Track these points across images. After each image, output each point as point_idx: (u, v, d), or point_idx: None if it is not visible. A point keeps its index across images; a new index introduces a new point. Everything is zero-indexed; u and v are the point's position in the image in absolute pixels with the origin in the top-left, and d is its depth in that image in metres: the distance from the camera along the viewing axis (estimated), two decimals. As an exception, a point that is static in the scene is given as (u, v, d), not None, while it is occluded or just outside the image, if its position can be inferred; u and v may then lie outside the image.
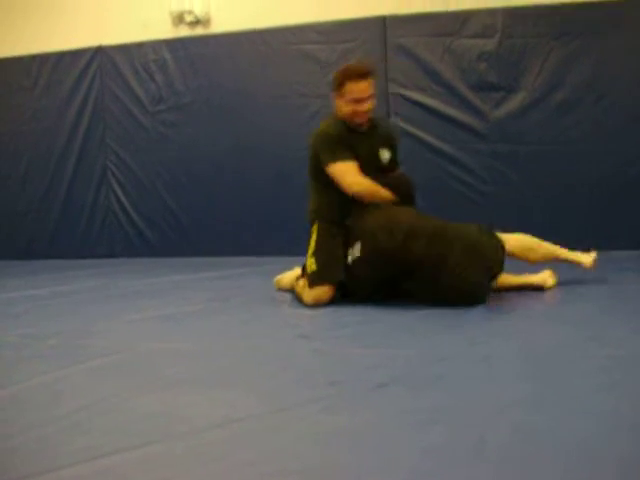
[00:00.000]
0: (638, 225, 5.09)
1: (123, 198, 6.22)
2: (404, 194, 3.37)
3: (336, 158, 3.33)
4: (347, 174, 3.31)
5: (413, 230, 3.01)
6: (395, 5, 5.53)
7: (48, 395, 1.91)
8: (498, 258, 3.12)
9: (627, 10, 5.09)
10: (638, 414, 1.56)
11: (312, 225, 3.52)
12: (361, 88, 3.31)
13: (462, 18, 5.33)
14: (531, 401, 1.67)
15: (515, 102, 5.26)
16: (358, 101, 3.31)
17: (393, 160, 3.59)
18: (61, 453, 1.47)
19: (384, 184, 3.32)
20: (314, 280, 3.23)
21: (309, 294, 3.21)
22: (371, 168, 3.37)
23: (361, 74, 3.32)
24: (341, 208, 3.34)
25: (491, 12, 5.27)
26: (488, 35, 5.28)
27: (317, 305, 3.15)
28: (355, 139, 3.40)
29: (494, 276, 3.15)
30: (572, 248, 5.00)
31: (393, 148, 3.61)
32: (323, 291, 3.18)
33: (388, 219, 3.10)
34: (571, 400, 1.66)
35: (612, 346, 2.17)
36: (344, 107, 3.38)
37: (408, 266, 2.98)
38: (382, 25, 5.50)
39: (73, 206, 6.36)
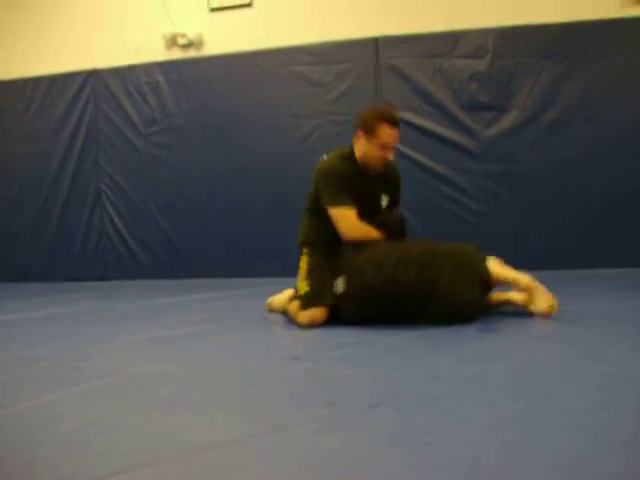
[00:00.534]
0: (630, 243, 5.12)
1: (117, 220, 6.22)
2: (395, 232, 3.37)
3: (337, 203, 3.28)
4: (344, 220, 3.27)
5: (402, 261, 2.99)
6: (387, 26, 5.58)
7: (42, 417, 1.90)
8: (487, 273, 3.13)
9: (618, 30, 5.14)
10: (632, 432, 1.56)
11: (301, 250, 3.52)
12: (395, 135, 3.27)
13: (453, 39, 5.37)
14: (524, 420, 1.67)
15: (506, 122, 5.30)
16: (387, 147, 3.27)
17: (393, 201, 3.56)
18: (54, 476, 1.46)
19: (377, 224, 3.30)
20: (309, 301, 3.23)
21: (304, 315, 3.20)
22: (369, 211, 3.34)
23: (396, 121, 3.27)
24: (332, 241, 3.32)
25: (482, 33, 5.32)
26: (479, 55, 5.33)
27: (312, 326, 3.14)
28: (360, 182, 3.35)
29: (488, 290, 3.16)
30: (566, 267, 5.06)
31: (394, 190, 3.58)
32: (318, 312, 3.18)
33: (375, 253, 3.09)
34: (565, 418, 1.66)
35: (606, 364, 2.17)
36: (372, 150, 3.29)
37: (398, 297, 2.97)
38: (374, 46, 5.54)
39: (67, 228, 6.36)
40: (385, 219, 3.39)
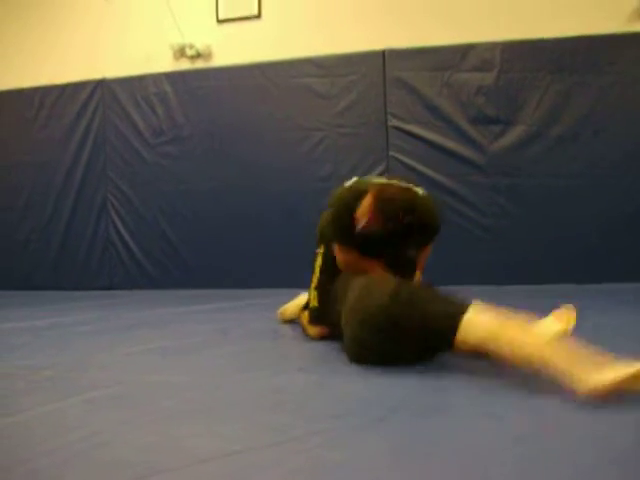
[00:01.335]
0: (636, 258, 5.10)
1: (123, 230, 6.23)
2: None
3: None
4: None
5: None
6: (394, 39, 5.59)
7: (44, 427, 1.89)
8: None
9: (625, 44, 5.14)
10: None
11: (318, 244, 3.32)
12: None
13: (461, 52, 5.38)
14: (536, 433, 1.65)
15: (514, 135, 5.30)
16: None
17: None
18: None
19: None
20: (316, 318, 3.20)
21: (312, 330, 3.19)
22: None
23: None
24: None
25: (490, 46, 5.33)
26: (487, 69, 5.33)
27: (322, 338, 3.13)
28: None
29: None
30: (573, 281, 5.03)
31: None
32: (325, 329, 3.15)
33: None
34: (574, 431, 1.64)
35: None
36: None
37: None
38: (381, 59, 5.55)
39: (73, 237, 6.37)
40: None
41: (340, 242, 3.01)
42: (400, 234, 2.68)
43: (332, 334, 3.03)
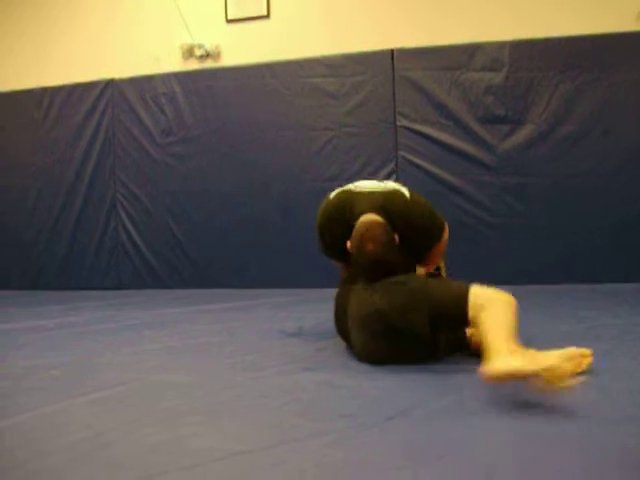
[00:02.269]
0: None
1: (132, 229, 6.23)
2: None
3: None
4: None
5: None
6: (403, 38, 5.58)
7: (49, 427, 1.89)
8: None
9: (633, 43, 5.12)
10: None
11: None
12: None
13: (470, 51, 5.36)
14: (542, 434, 1.64)
15: (522, 135, 5.27)
16: None
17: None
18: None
19: None
20: None
21: None
22: None
23: None
24: None
25: (498, 45, 5.31)
26: (496, 68, 5.31)
27: None
28: None
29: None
30: (581, 281, 5.00)
31: None
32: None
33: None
34: (583, 434, 1.63)
35: (622, 379, 2.14)
36: None
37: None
38: (390, 58, 5.54)
39: (82, 237, 6.38)
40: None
41: (327, 255, 3.09)
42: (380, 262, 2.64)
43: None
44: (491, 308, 2.19)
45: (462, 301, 2.29)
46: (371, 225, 2.64)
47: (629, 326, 3.19)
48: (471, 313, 2.26)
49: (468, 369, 2.35)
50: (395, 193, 2.87)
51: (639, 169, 5.10)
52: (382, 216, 2.70)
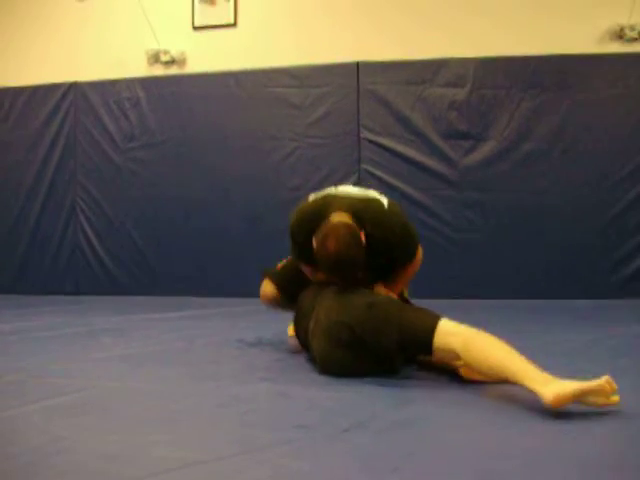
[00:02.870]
0: (600, 274, 5.17)
1: (91, 235, 6.17)
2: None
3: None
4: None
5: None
6: (369, 52, 5.62)
7: (4, 432, 1.86)
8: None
9: (595, 65, 5.23)
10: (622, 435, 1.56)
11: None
12: None
13: (434, 67, 5.43)
14: (499, 448, 1.66)
15: (484, 151, 5.35)
16: None
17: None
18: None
19: None
20: (263, 275, 3.33)
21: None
22: None
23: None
24: None
25: (463, 62, 5.38)
26: (460, 84, 5.38)
27: (263, 302, 3.29)
28: None
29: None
30: (540, 297, 5.08)
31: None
32: (268, 286, 3.24)
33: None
34: (539, 446, 1.65)
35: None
36: None
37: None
38: (355, 71, 5.57)
39: (40, 241, 6.30)
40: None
41: (297, 257, 3.04)
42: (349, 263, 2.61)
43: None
44: (477, 340, 2.20)
45: (430, 331, 2.30)
46: (337, 224, 2.62)
47: (587, 342, 3.25)
48: (436, 342, 2.28)
49: (423, 383, 2.38)
50: (373, 201, 2.85)
51: (598, 188, 5.20)
52: (352, 219, 2.68)
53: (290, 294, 3.13)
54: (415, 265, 3.04)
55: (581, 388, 1.89)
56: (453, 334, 2.26)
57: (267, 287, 3.26)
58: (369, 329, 2.41)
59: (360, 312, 2.46)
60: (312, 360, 2.75)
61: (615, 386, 1.91)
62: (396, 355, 2.44)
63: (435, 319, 2.34)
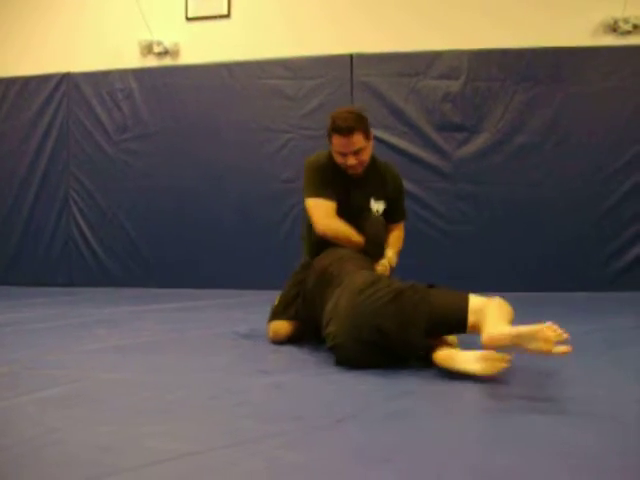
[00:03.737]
0: (594, 266, 5.18)
1: (84, 226, 6.15)
2: (374, 243, 3.20)
3: (313, 194, 3.23)
4: (318, 210, 3.20)
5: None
6: (363, 44, 5.61)
7: (-2, 424, 1.86)
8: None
9: (588, 58, 5.23)
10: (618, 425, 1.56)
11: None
12: (344, 143, 3.12)
13: (428, 59, 5.42)
14: (490, 440, 1.66)
15: (478, 143, 5.35)
16: (343, 154, 3.16)
17: (394, 209, 3.44)
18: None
19: (360, 228, 3.18)
20: (273, 315, 3.21)
21: (269, 328, 3.18)
22: (358, 216, 3.23)
23: (343, 129, 3.10)
24: (317, 243, 3.23)
25: (457, 54, 5.38)
26: (453, 77, 5.38)
27: (276, 339, 3.13)
28: (343, 182, 3.25)
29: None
30: (532, 289, 5.08)
31: (393, 196, 3.43)
32: (280, 325, 3.16)
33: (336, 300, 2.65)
34: (533, 438, 1.66)
35: (588, 385, 2.18)
36: (334, 156, 3.23)
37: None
38: (349, 63, 5.56)
39: (33, 232, 6.28)
40: (368, 228, 3.22)
41: (317, 193, 3.25)
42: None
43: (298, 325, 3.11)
44: (490, 305, 2.28)
45: (463, 306, 2.35)
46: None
47: (582, 334, 3.25)
48: (471, 318, 2.31)
49: (420, 374, 2.38)
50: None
51: (592, 180, 5.21)
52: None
53: (303, 319, 3.10)
54: (403, 231, 3.57)
55: (518, 331, 1.95)
56: (485, 305, 2.31)
57: (278, 326, 3.15)
58: (395, 327, 2.41)
59: (385, 309, 2.44)
60: (316, 337, 2.84)
61: (562, 334, 1.92)
62: (420, 347, 2.44)
63: (464, 297, 2.39)
